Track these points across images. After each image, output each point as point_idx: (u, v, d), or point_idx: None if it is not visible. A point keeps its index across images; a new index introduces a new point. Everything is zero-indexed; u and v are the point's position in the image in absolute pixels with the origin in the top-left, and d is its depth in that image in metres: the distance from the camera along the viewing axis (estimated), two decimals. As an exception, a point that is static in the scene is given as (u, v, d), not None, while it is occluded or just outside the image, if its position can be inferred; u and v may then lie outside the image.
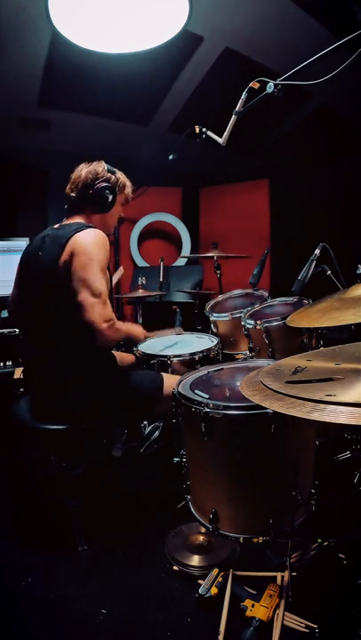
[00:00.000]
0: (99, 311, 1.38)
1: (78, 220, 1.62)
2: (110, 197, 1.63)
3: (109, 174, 1.64)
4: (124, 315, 3.91)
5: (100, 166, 1.64)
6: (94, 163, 1.65)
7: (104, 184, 1.61)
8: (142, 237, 4.30)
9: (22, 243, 2.91)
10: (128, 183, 1.73)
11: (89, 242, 1.45)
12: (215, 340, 2.08)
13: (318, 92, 3.06)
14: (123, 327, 1.55)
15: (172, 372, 1.89)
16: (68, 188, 1.65)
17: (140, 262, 4.24)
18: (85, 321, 1.38)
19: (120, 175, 1.69)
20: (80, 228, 1.49)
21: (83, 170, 1.63)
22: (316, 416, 0.80)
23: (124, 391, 1.63)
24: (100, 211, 1.65)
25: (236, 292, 2.73)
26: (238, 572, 1.41)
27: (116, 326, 1.45)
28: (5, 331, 2.62)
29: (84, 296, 1.38)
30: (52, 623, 1.32)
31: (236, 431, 1.30)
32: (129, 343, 2.02)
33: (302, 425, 1.32)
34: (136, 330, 1.73)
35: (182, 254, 4.29)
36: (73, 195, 1.63)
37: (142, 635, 1.28)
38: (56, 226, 1.61)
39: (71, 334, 1.50)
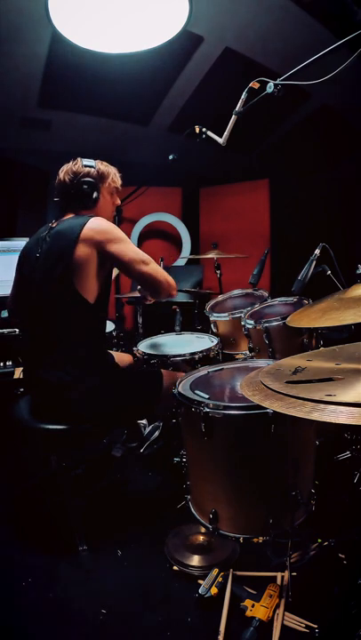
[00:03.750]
0: (160, 272, 1.60)
1: (71, 216, 1.60)
2: (93, 193, 1.60)
3: (87, 169, 1.60)
4: (124, 315, 3.91)
5: (76, 164, 1.60)
6: (70, 162, 1.62)
7: (83, 179, 1.58)
8: (142, 237, 4.30)
9: (22, 243, 2.85)
10: (111, 170, 1.68)
11: (106, 230, 1.49)
12: (215, 340, 2.08)
13: (318, 92, 3.06)
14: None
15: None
16: (54, 195, 1.64)
17: (140, 262, 4.23)
18: (157, 286, 1.61)
19: (100, 165, 1.65)
20: (85, 219, 1.49)
21: (61, 172, 1.61)
22: (316, 416, 0.80)
23: (124, 391, 1.63)
24: (87, 207, 1.62)
25: (236, 291, 2.73)
26: (238, 572, 1.41)
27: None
28: (5, 331, 2.62)
29: (142, 268, 1.55)
30: (52, 623, 1.32)
31: (236, 431, 1.30)
32: None
33: (302, 425, 1.32)
34: None
35: (182, 254, 4.29)
36: (57, 200, 1.64)
37: (142, 635, 1.28)
38: (52, 224, 1.59)
39: (71, 334, 1.50)
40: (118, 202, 1.76)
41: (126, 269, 1.55)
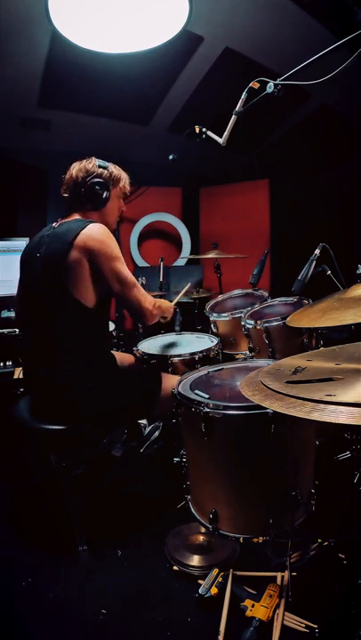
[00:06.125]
0: (142, 298, 1.60)
1: (76, 217, 1.60)
2: (104, 193, 1.61)
3: (100, 169, 1.61)
4: (124, 315, 3.91)
5: (91, 163, 1.62)
6: (84, 160, 1.63)
7: (95, 180, 1.59)
8: (142, 237, 4.30)
9: (22, 243, 2.91)
10: (123, 175, 1.70)
11: (101, 240, 1.46)
12: (215, 340, 2.08)
13: (318, 92, 3.06)
14: (161, 304, 1.75)
15: (173, 372, 1.89)
16: (61, 189, 1.65)
17: (140, 262, 4.24)
18: (137, 312, 1.61)
19: (113, 169, 1.66)
20: (83, 224, 1.49)
21: (73, 169, 1.62)
22: (316, 416, 0.80)
23: (124, 391, 1.63)
24: (96, 208, 1.63)
25: (236, 291, 2.73)
26: (238, 572, 1.41)
27: (158, 304, 1.69)
28: (5, 331, 2.62)
29: (125, 291, 1.54)
30: (53, 623, 1.32)
31: (236, 431, 1.30)
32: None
33: (302, 425, 1.32)
34: (167, 305, 1.85)
35: (182, 254, 4.29)
36: (66, 195, 1.63)
37: (142, 635, 1.28)
38: (54, 224, 1.59)
39: (71, 334, 1.50)
40: (124, 207, 1.77)
41: (114, 290, 1.53)
